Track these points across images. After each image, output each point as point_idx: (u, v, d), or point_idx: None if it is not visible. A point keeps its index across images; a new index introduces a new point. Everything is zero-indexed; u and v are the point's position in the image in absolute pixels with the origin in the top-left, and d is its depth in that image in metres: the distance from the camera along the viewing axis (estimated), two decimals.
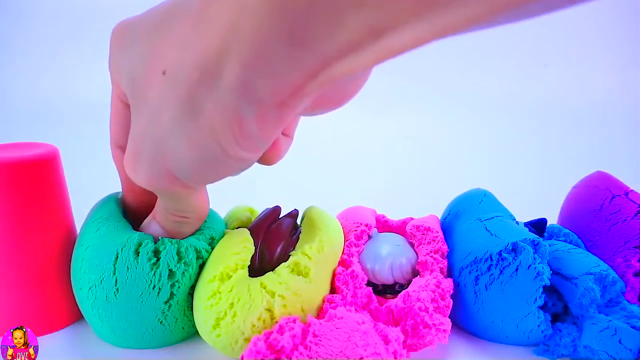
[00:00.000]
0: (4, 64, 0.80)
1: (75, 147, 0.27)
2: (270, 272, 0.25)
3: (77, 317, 0.29)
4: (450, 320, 0.26)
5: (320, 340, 0.22)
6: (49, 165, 0.26)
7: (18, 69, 0.80)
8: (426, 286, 0.26)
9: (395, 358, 0.23)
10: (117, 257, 0.24)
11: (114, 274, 0.24)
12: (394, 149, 0.68)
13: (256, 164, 0.23)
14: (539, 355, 0.26)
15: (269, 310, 0.24)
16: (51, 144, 0.28)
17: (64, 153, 0.28)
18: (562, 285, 0.27)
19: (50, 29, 0.81)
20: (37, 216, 0.26)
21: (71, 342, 0.27)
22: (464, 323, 0.28)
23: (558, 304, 0.27)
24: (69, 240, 0.28)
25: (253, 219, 0.30)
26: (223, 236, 0.27)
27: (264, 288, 0.24)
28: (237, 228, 0.28)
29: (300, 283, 0.25)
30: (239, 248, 0.25)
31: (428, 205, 0.36)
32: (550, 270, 0.27)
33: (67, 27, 0.81)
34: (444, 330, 0.24)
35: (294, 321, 0.23)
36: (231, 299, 0.24)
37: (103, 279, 0.24)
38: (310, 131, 0.71)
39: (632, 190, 0.30)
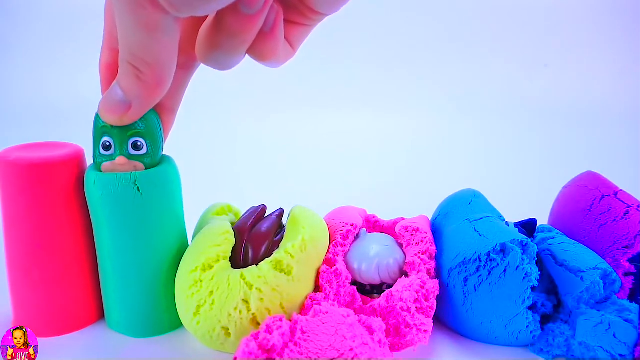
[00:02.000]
0: (22, 63, 0.80)
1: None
2: (254, 265, 0.25)
3: (98, 317, 0.29)
4: (432, 321, 0.26)
5: (309, 337, 0.22)
6: (74, 164, 0.26)
7: (37, 69, 0.80)
8: (410, 286, 0.26)
9: (380, 347, 0.23)
10: None
11: None
12: (386, 149, 0.68)
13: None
14: (535, 353, 0.26)
15: (245, 301, 0.24)
16: (76, 144, 0.28)
17: (88, 153, 0.28)
18: (564, 278, 0.27)
19: (71, 29, 0.81)
20: (63, 216, 0.26)
21: (71, 342, 0.27)
22: (453, 324, 0.28)
23: (547, 304, 0.27)
24: (93, 239, 0.28)
25: (231, 215, 0.31)
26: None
27: (243, 279, 0.25)
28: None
29: (281, 280, 0.25)
30: (220, 240, 0.26)
31: (420, 205, 0.36)
32: (555, 261, 0.27)
33: (88, 26, 0.82)
34: (424, 331, 0.25)
35: (281, 320, 0.23)
36: (211, 287, 0.24)
37: None
38: (303, 130, 0.72)
39: (621, 190, 0.31)
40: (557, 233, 0.31)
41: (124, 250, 0.26)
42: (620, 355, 0.24)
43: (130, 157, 0.25)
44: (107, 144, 0.25)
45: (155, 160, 0.26)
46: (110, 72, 0.24)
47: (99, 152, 0.25)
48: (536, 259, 0.27)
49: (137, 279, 0.27)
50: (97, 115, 0.24)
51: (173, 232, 0.27)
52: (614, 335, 0.25)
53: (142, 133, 0.24)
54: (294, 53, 0.24)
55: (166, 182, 0.26)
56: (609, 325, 0.25)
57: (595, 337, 0.25)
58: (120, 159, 0.25)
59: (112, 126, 0.24)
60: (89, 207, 0.27)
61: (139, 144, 0.25)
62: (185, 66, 0.25)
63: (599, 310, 0.26)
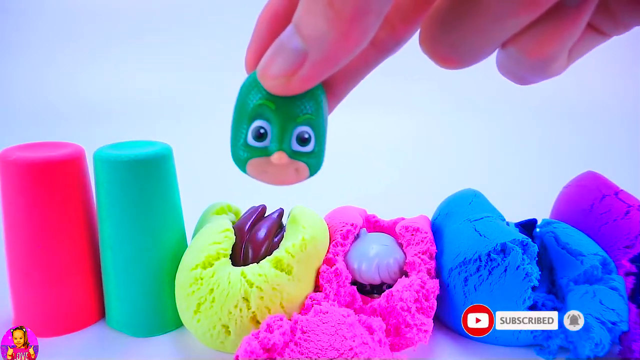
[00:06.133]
0: (22, 63, 0.80)
1: (99, 146, 0.28)
2: (255, 264, 0.26)
3: (98, 317, 0.29)
4: (432, 321, 0.26)
5: (310, 336, 0.22)
6: (75, 164, 0.26)
7: (37, 69, 0.80)
8: (410, 286, 0.26)
9: (380, 346, 0.23)
10: None
11: None
12: (386, 149, 0.68)
13: None
14: (535, 353, 0.26)
15: (245, 299, 0.24)
16: (76, 144, 0.28)
17: (88, 153, 0.28)
18: (564, 260, 0.27)
19: (71, 29, 0.81)
20: (62, 216, 0.26)
21: (71, 342, 0.27)
22: (454, 323, 0.28)
23: (547, 304, 0.27)
24: (94, 240, 0.28)
25: (231, 214, 0.31)
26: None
27: (244, 277, 0.25)
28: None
29: (282, 279, 0.25)
30: (220, 238, 0.26)
31: (420, 205, 0.36)
32: (558, 243, 0.28)
33: (88, 26, 0.82)
34: (425, 331, 0.25)
35: (281, 319, 0.23)
36: (212, 285, 0.25)
37: None
38: None
39: (621, 190, 0.31)
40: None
41: (124, 234, 0.26)
42: (611, 322, 0.24)
43: (293, 154, 0.16)
44: (262, 131, 0.16)
45: (319, 164, 0.17)
46: (275, 24, 0.16)
47: (246, 142, 0.16)
48: (536, 258, 0.27)
49: (137, 274, 0.27)
50: (247, 85, 0.16)
51: (171, 214, 0.27)
52: (600, 302, 0.25)
53: (312, 120, 0.16)
54: (565, 67, 0.15)
55: (164, 165, 0.26)
56: (594, 293, 0.25)
57: (582, 306, 0.25)
58: (280, 156, 0.16)
59: (275, 105, 0.16)
60: (95, 190, 0.27)
61: (306, 136, 0.16)
62: (383, 46, 0.16)
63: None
